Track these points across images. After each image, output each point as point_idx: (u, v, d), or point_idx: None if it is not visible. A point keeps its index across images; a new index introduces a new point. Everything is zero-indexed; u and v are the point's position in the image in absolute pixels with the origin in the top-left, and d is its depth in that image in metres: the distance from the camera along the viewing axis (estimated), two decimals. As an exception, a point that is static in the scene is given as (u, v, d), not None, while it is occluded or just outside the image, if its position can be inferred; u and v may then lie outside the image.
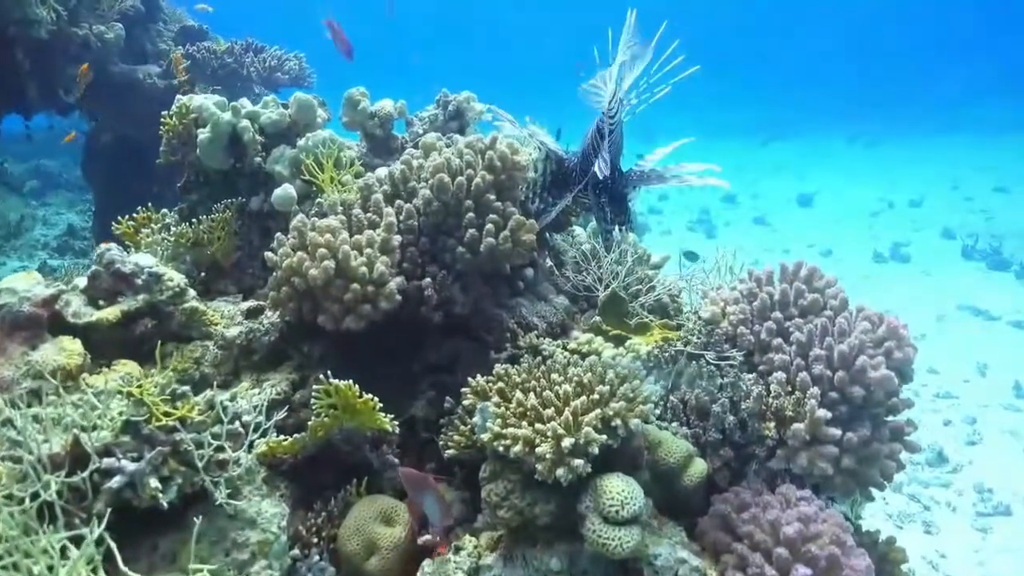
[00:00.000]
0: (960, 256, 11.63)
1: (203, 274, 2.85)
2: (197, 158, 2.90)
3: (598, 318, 2.75)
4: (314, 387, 2.10)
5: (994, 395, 7.25)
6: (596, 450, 1.75)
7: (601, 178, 2.13)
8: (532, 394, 1.89)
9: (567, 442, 1.72)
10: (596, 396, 1.83)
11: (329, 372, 2.08)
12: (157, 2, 6.49)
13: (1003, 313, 9.28)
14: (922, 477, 5.93)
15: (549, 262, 3.08)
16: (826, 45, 33.97)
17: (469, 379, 2.11)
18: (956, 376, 7.61)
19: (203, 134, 2.81)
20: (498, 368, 2.07)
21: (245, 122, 2.82)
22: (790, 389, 2.22)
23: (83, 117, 7.26)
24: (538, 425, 1.78)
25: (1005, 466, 6.04)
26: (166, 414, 1.83)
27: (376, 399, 2.05)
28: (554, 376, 1.95)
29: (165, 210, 2.92)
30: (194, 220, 2.78)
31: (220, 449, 1.90)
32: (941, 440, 6.37)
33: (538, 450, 1.74)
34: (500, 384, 1.99)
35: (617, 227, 2.47)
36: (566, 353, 2.52)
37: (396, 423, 2.13)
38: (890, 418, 2.20)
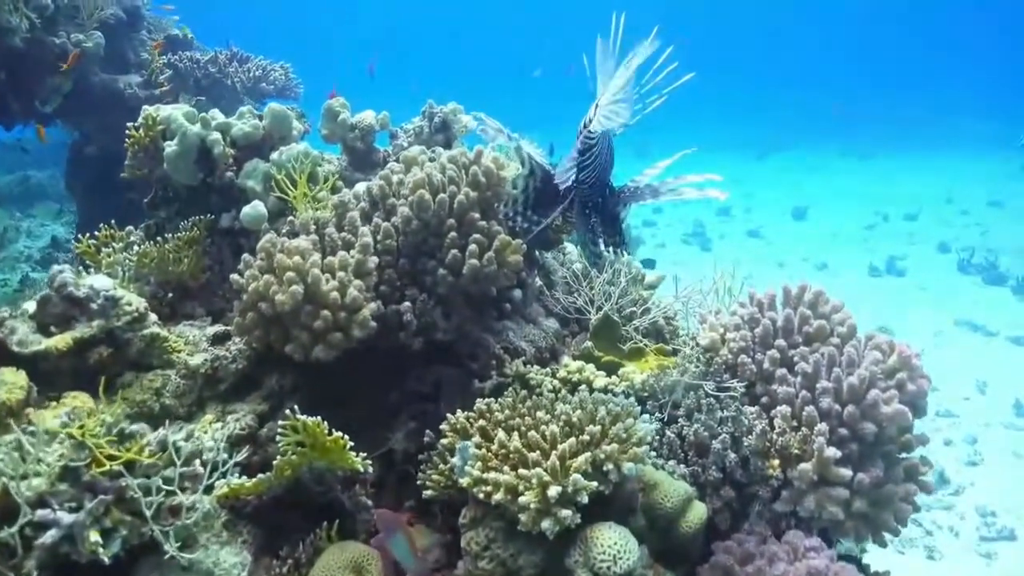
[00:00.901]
0: (956, 270, 11.53)
1: (170, 295, 2.68)
2: (165, 172, 2.73)
3: (589, 343, 2.60)
4: (279, 423, 1.92)
5: (994, 413, 7.11)
6: (585, 499, 1.58)
7: (567, 187, 1.99)
8: (516, 434, 1.73)
9: (553, 491, 1.55)
10: (586, 437, 1.67)
11: (296, 407, 1.91)
12: (140, 11, 6.31)
13: (1001, 328, 9.16)
14: (924, 500, 5.76)
15: (539, 282, 2.92)
16: (820, 57, 34.13)
17: (449, 416, 1.94)
18: (956, 394, 7.47)
19: (170, 147, 2.64)
20: (480, 404, 1.90)
21: (215, 135, 2.65)
22: (796, 424, 2.06)
23: (64, 128, 7.09)
24: (522, 470, 1.62)
25: (1008, 488, 5.89)
26: (111, 457, 1.66)
27: (347, 437, 1.88)
28: (540, 414, 1.78)
29: (130, 227, 2.75)
30: (160, 238, 2.61)
31: (173, 494, 1.73)
32: (942, 460, 6.21)
33: (521, 499, 1.58)
34: (482, 422, 1.82)
35: (611, 249, 2.32)
36: (555, 382, 2.36)
37: (369, 462, 1.95)
38: (903, 456, 2.05)
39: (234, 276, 2.20)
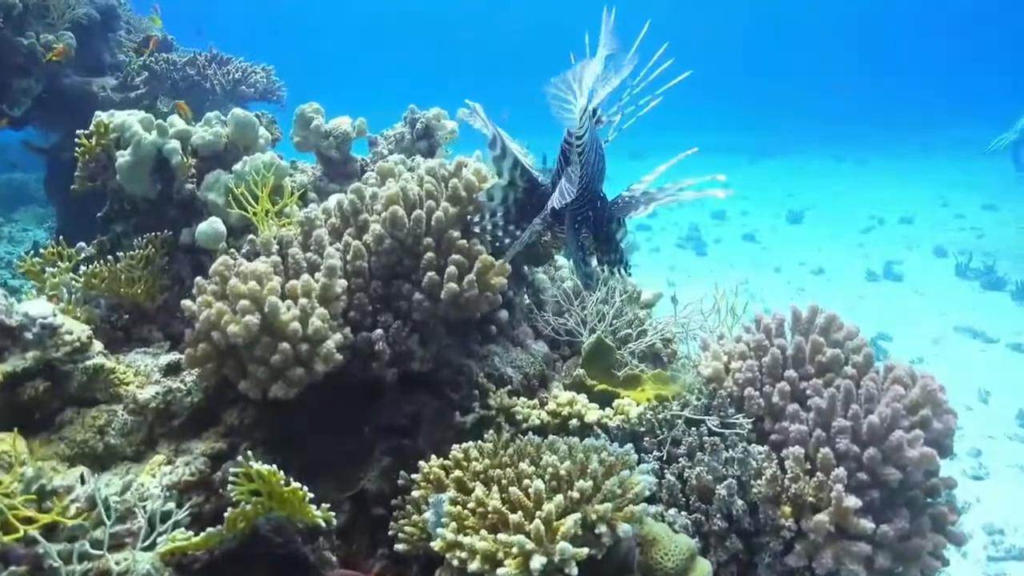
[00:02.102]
0: (954, 274, 11.36)
1: (125, 318, 2.46)
2: (119, 184, 2.51)
3: (581, 371, 2.38)
4: (231, 471, 1.71)
5: (998, 424, 6.91)
6: (575, 570, 1.37)
7: (558, 208, 1.77)
8: (496, 488, 1.51)
9: (536, 562, 1.34)
10: (575, 494, 1.46)
11: (250, 451, 1.69)
12: (115, 11, 6.08)
13: (1001, 335, 8.98)
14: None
15: (527, 300, 2.71)
16: (817, 61, 34.10)
17: (421, 464, 1.73)
18: (957, 403, 7.17)
19: (123, 157, 2.42)
20: (456, 451, 1.69)
21: (173, 143, 2.43)
22: (809, 467, 1.85)
23: (40, 132, 6.86)
24: (502, 535, 1.40)
25: (1015, 504, 5.69)
26: (27, 520, 1.44)
27: (306, 488, 1.66)
28: (523, 465, 1.57)
29: (81, 244, 2.52)
30: (112, 256, 2.38)
31: (100, 558, 1.52)
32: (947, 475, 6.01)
33: (500, 571, 1.36)
34: (458, 472, 1.61)
35: (607, 268, 2.10)
36: (543, 414, 2.15)
37: (333, 514, 1.73)
38: (930, 502, 1.84)
39: (185, 302, 1.98)
